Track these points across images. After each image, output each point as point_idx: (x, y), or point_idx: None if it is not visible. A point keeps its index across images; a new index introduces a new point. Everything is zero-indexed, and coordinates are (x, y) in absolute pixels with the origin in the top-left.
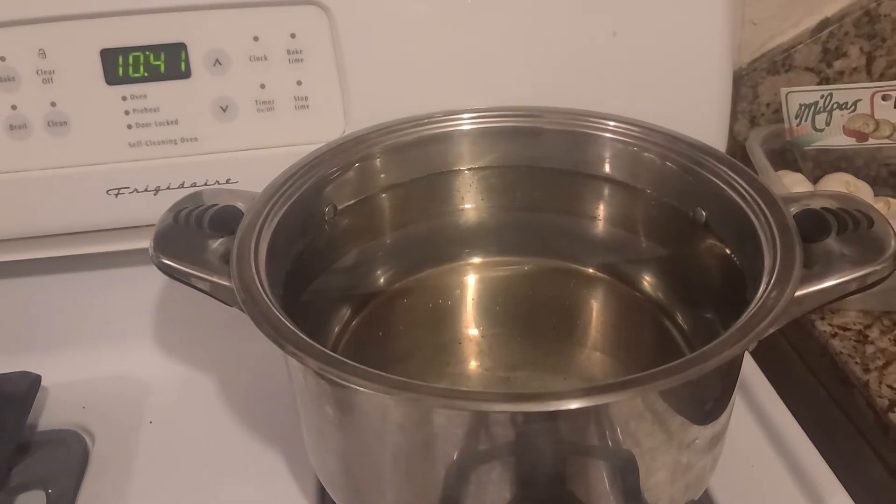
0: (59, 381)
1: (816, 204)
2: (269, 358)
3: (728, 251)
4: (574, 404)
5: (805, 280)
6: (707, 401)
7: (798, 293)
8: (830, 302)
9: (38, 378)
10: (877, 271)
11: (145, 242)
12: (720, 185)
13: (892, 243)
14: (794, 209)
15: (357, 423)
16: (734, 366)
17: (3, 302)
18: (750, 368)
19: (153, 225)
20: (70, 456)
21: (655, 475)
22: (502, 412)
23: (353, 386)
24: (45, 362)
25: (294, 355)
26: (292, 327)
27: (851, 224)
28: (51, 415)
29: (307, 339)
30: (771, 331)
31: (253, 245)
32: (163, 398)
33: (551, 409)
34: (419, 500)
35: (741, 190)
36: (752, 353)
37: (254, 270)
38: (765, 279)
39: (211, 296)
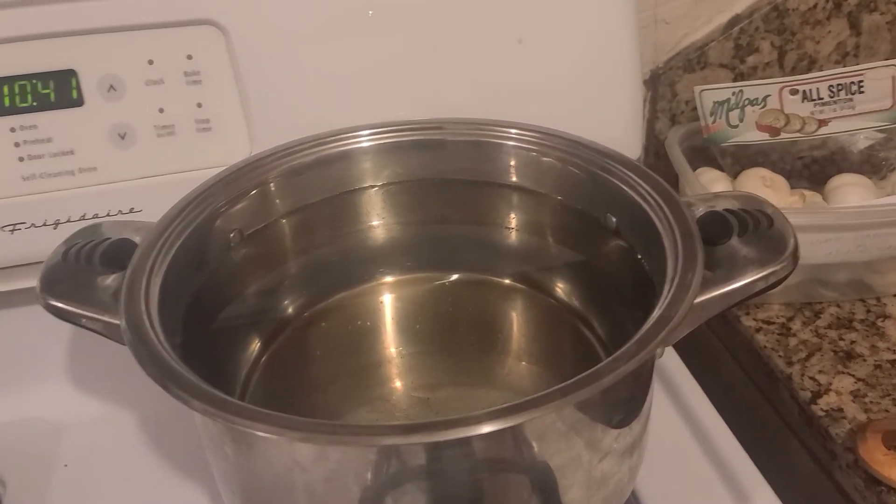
0: None
1: (720, 205)
2: None
3: (638, 256)
4: (461, 433)
5: (708, 284)
6: (616, 411)
7: (701, 298)
8: (738, 303)
9: None
10: (777, 271)
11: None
12: (626, 189)
13: (791, 242)
14: (701, 210)
15: (255, 462)
16: (642, 374)
17: None
18: (676, 367)
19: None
20: None
21: (571, 491)
22: (392, 445)
23: (240, 427)
24: None
25: (178, 397)
26: (179, 367)
27: (752, 224)
28: None
29: (193, 378)
30: (676, 338)
31: (144, 281)
32: (77, 439)
33: (436, 440)
34: None
35: (645, 194)
36: (680, 350)
37: (144, 307)
38: (666, 287)
39: (104, 336)
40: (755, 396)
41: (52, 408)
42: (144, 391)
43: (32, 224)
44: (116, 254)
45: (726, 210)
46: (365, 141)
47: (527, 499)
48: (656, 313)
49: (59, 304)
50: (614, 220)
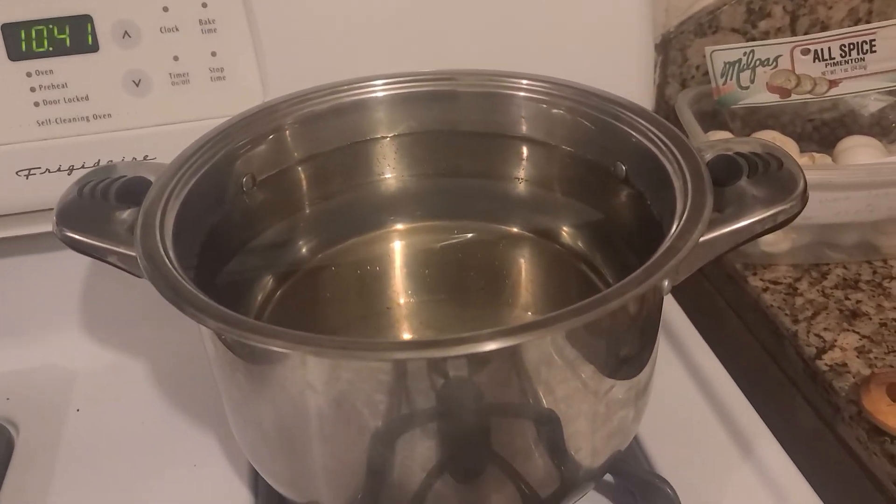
0: None
1: (731, 149)
2: (195, 339)
3: (648, 202)
4: (477, 348)
5: (717, 222)
6: (623, 346)
7: (710, 235)
8: (746, 241)
9: None
10: (786, 210)
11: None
12: (636, 136)
13: (801, 182)
14: (709, 156)
15: (267, 388)
16: (649, 310)
17: None
18: (683, 324)
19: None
20: None
21: (574, 424)
22: (399, 360)
23: (254, 343)
24: None
25: (194, 316)
26: (194, 290)
27: (762, 166)
28: None
29: (208, 300)
30: (681, 275)
31: (159, 215)
32: (89, 386)
33: (451, 354)
34: (338, 463)
35: (656, 139)
36: (688, 310)
37: (158, 238)
38: (675, 223)
39: (119, 267)
40: (760, 355)
41: (64, 355)
42: (154, 340)
43: (47, 169)
44: (131, 190)
45: (736, 153)
46: (379, 91)
47: (532, 429)
48: (665, 245)
49: (77, 236)
50: (624, 168)
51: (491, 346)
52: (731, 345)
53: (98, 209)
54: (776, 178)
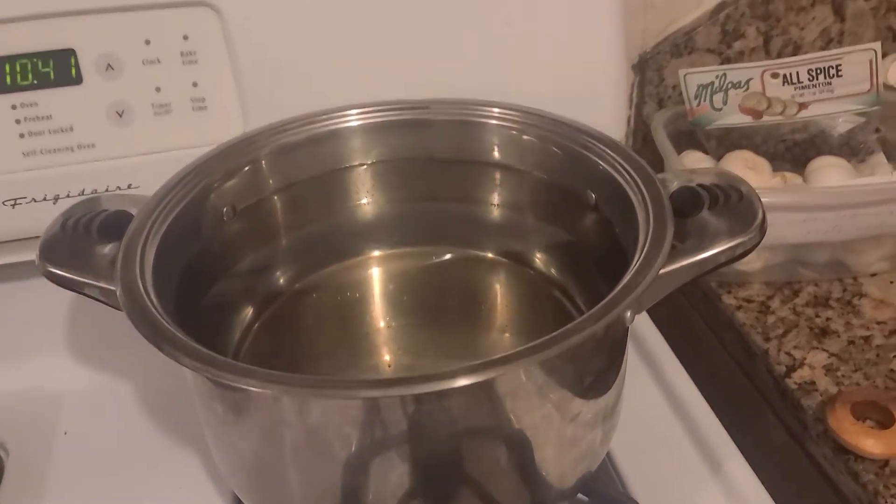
0: None
1: (695, 181)
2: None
3: (616, 230)
4: (437, 386)
5: (678, 254)
6: (587, 374)
7: (671, 267)
8: (707, 272)
9: None
10: (744, 242)
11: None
12: (604, 165)
13: (759, 214)
14: (676, 185)
15: (243, 419)
16: (614, 340)
17: None
18: (655, 341)
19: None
20: None
21: (543, 449)
22: (368, 398)
23: (228, 382)
24: None
25: (171, 355)
26: (171, 327)
27: (723, 198)
28: None
29: (184, 338)
30: (643, 306)
31: (140, 248)
32: (77, 408)
33: (413, 392)
34: (314, 491)
35: (622, 170)
36: (664, 327)
37: (138, 273)
38: (637, 255)
39: (101, 302)
40: (734, 372)
41: (51, 378)
42: (141, 362)
43: (33, 199)
44: (114, 224)
45: (699, 185)
46: (354, 120)
47: (502, 455)
48: (625, 279)
49: (58, 272)
50: (594, 195)
51: (454, 383)
52: (707, 361)
53: (80, 243)
54: (736, 210)
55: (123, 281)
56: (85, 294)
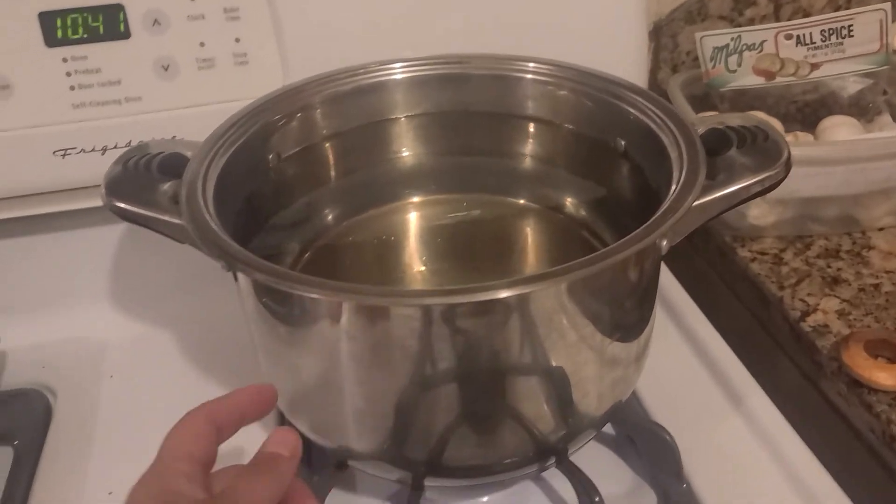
0: (17, 345)
1: (721, 123)
2: (220, 307)
3: (645, 173)
4: (499, 294)
5: (710, 188)
6: (627, 301)
7: (703, 199)
8: (736, 205)
9: None
10: (772, 175)
11: (96, 202)
12: (635, 113)
13: (785, 151)
14: (701, 129)
15: (305, 335)
16: (649, 269)
17: None
18: (676, 291)
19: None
20: (33, 412)
21: (585, 369)
22: (437, 305)
23: (303, 293)
24: (2, 326)
25: (245, 271)
26: (240, 248)
27: (750, 138)
28: (10, 376)
29: (254, 256)
30: (677, 235)
31: (200, 184)
32: (121, 354)
33: (481, 299)
34: (367, 408)
35: (653, 116)
36: (682, 281)
37: (202, 204)
38: (672, 187)
39: (163, 234)
40: (748, 322)
41: (95, 326)
42: (180, 310)
43: (82, 149)
44: (171, 165)
45: (727, 127)
46: (398, 73)
47: (542, 374)
48: (663, 207)
49: (125, 206)
50: (623, 142)
51: (507, 293)
52: (721, 313)
53: (143, 181)
54: (763, 148)
55: (190, 211)
56: (148, 227)
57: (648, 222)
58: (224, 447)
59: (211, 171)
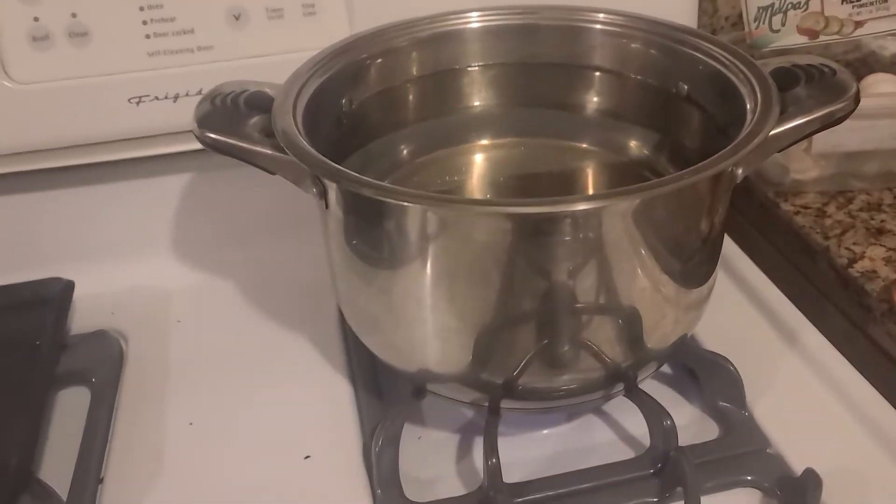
0: (86, 292)
1: (789, 62)
2: (282, 257)
3: (711, 114)
4: (590, 205)
5: (781, 120)
6: (704, 224)
7: (777, 130)
8: (806, 136)
9: (71, 283)
10: (842, 108)
11: (167, 149)
12: (702, 57)
13: (854, 86)
14: (769, 68)
15: (400, 252)
16: (723, 197)
17: (29, 214)
18: (727, 244)
19: (173, 133)
20: (106, 354)
21: (658, 296)
22: (528, 214)
23: (405, 203)
24: (70, 272)
25: (349, 186)
26: (341, 168)
27: (818, 74)
28: (82, 320)
29: (356, 174)
30: (754, 162)
31: (291, 115)
32: (187, 302)
33: (575, 209)
34: (450, 325)
35: (720, 57)
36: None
37: (297, 131)
38: (748, 118)
39: (255, 165)
40: (792, 274)
41: (160, 276)
42: (240, 262)
43: (155, 97)
44: (257, 101)
45: (794, 65)
46: (474, 23)
47: (622, 298)
48: (742, 134)
49: (217, 136)
50: (686, 87)
51: (595, 204)
52: (765, 268)
53: (231, 116)
54: (832, 83)
55: (286, 138)
56: (242, 159)
57: (730, 146)
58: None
59: (298, 106)
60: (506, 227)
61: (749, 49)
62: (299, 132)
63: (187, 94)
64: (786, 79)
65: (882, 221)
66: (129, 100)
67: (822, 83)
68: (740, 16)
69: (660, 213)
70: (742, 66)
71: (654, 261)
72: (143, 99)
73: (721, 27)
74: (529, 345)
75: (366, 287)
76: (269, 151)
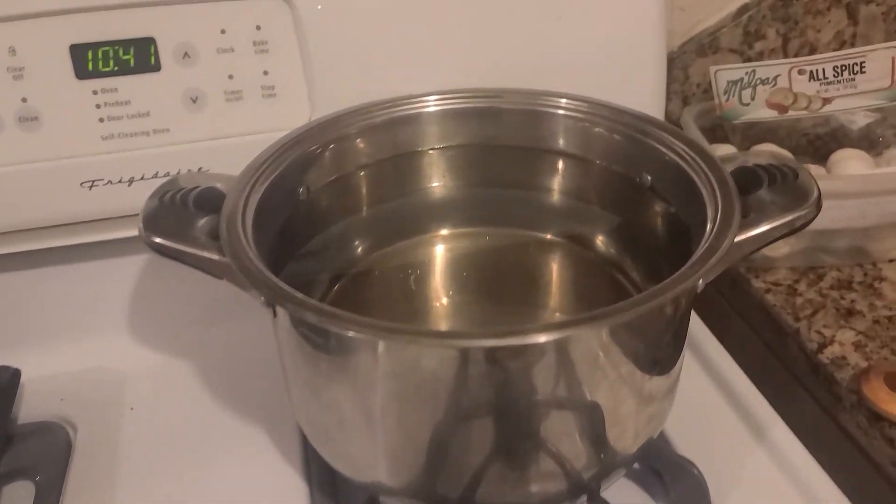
0: (35, 376)
1: (749, 162)
2: (241, 338)
3: (673, 209)
4: (551, 336)
5: (742, 227)
6: (662, 340)
7: (737, 238)
8: (768, 244)
9: (17, 372)
10: (803, 215)
11: (120, 233)
12: (663, 150)
13: (815, 191)
14: (729, 167)
15: (343, 372)
16: (684, 307)
17: None
18: (696, 324)
19: (127, 216)
20: (54, 446)
21: (616, 412)
22: (486, 348)
23: (349, 333)
24: (21, 357)
25: (294, 311)
26: (287, 287)
27: (780, 177)
28: (30, 408)
29: (302, 295)
30: (716, 271)
31: (240, 220)
32: (142, 386)
33: (534, 342)
34: (402, 444)
35: (682, 153)
36: (698, 313)
37: (243, 240)
38: (709, 226)
39: (200, 270)
40: (764, 353)
41: (115, 358)
42: (200, 341)
43: (109, 181)
44: (206, 199)
45: (756, 165)
46: (432, 106)
47: (578, 414)
48: (703, 246)
49: (162, 241)
50: (649, 178)
51: (549, 336)
52: (736, 344)
53: (179, 216)
54: (793, 188)
55: (232, 249)
56: (186, 262)
57: (691, 261)
58: None
59: (249, 206)
60: (455, 357)
61: (720, 120)
62: (247, 241)
63: (142, 178)
64: (748, 180)
65: (852, 301)
66: (81, 184)
67: (785, 186)
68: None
69: (620, 333)
70: (704, 165)
71: (614, 376)
72: (95, 183)
73: (692, 94)
74: (484, 462)
75: (316, 398)
76: (216, 257)
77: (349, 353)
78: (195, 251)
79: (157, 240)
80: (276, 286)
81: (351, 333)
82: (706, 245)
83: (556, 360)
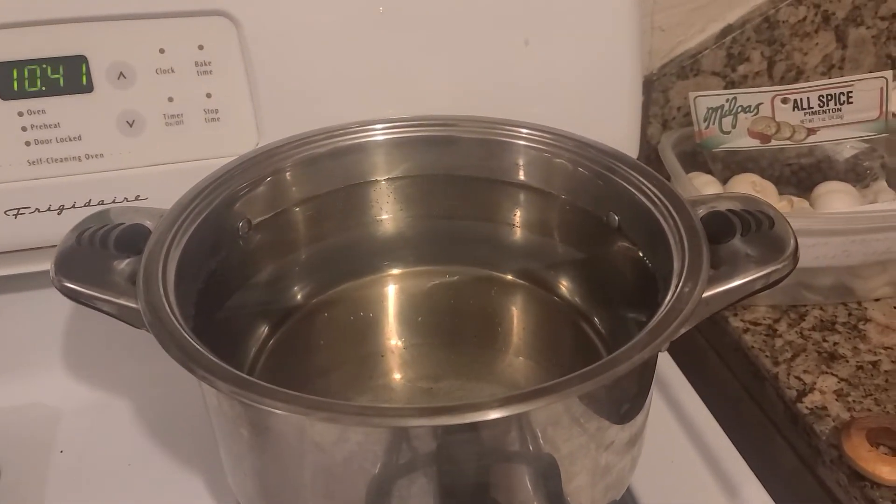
0: None
1: (722, 206)
2: (182, 380)
3: (640, 254)
4: (490, 415)
5: (712, 281)
6: (623, 402)
7: (706, 294)
8: (738, 301)
9: None
10: (778, 270)
11: (49, 264)
12: (631, 189)
13: (792, 243)
14: (701, 211)
15: (273, 444)
16: (648, 366)
17: None
18: (668, 366)
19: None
20: None
21: (576, 479)
22: (418, 427)
23: (264, 407)
24: None
25: (204, 379)
26: (202, 349)
27: (754, 225)
28: None
29: (217, 361)
30: (681, 332)
31: (161, 264)
32: (73, 426)
33: (466, 421)
34: None
35: (650, 194)
36: (670, 351)
37: (162, 291)
38: (674, 281)
39: (118, 318)
40: (741, 395)
41: (48, 394)
42: (139, 379)
43: (37, 209)
44: (130, 238)
45: (729, 210)
46: (379, 134)
47: (534, 481)
48: (666, 306)
49: (74, 286)
50: (617, 218)
51: (500, 413)
52: (712, 384)
53: (97, 258)
54: (768, 238)
55: (147, 300)
56: (100, 310)
57: (652, 323)
58: None
59: (173, 249)
60: (382, 434)
61: (699, 148)
62: (164, 290)
63: (73, 206)
64: (720, 226)
65: (835, 344)
66: (5, 212)
67: (759, 236)
68: None
69: (581, 402)
70: (672, 210)
71: (574, 442)
72: (21, 211)
73: (672, 118)
74: None
75: (239, 463)
76: (134, 305)
77: (270, 425)
78: (110, 297)
79: (69, 284)
80: (189, 347)
81: (265, 408)
82: (668, 306)
83: (505, 431)
